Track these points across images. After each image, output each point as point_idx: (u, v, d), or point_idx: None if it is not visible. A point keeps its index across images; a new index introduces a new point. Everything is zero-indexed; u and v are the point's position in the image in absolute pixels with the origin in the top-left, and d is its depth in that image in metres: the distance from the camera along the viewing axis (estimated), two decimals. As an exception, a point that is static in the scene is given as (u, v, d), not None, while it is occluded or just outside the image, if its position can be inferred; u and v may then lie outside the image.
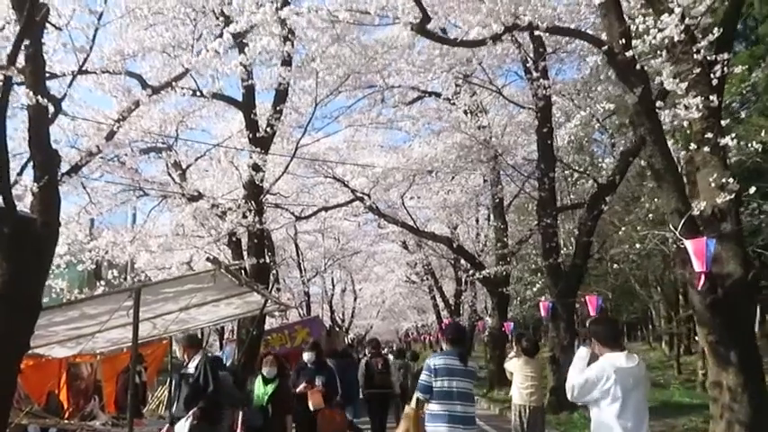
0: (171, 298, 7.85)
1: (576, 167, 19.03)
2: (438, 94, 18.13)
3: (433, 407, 5.44)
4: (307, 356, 8.83)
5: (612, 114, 17.53)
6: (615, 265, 19.68)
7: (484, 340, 37.77)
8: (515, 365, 8.65)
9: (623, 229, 19.04)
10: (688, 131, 7.92)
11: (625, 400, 4.39)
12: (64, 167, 7.94)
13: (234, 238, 13.29)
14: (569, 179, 17.63)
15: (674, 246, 21.41)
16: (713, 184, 7.26)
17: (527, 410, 8.35)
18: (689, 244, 6.61)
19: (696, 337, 20.26)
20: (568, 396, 4.69)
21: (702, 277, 6.50)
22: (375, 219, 27.51)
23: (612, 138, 17.99)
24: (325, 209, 22.08)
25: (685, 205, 7.07)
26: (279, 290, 23.43)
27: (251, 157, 13.01)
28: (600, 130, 19.44)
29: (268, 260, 23.56)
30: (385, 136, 25.36)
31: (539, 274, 26.65)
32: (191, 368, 7.16)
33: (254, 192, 13.02)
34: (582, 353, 4.80)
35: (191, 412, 6.67)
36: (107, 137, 8.48)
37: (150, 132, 14.36)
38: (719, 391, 7.07)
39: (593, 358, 4.68)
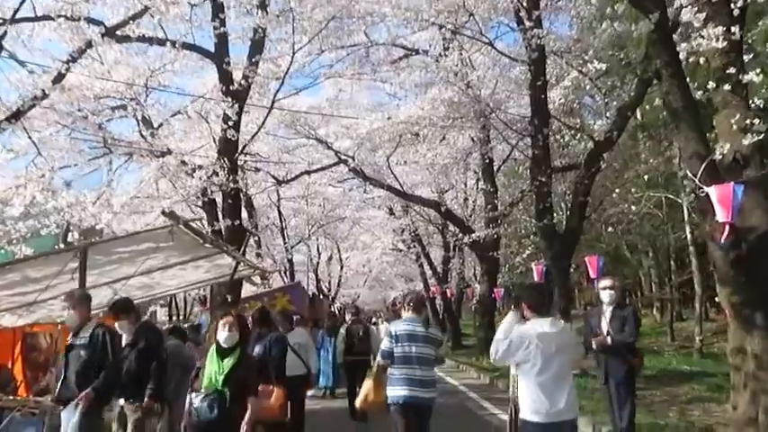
0: (127, 259, 7.00)
1: (568, 132, 18.31)
2: (425, 52, 17.20)
3: (393, 371, 5.64)
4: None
5: (605, 74, 16.77)
6: (610, 229, 19.08)
7: (472, 309, 37.41)
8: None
9: (617, 191, 18.48)
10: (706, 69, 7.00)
11: (546, 364, 4.43)
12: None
13: (207, 199, 12.37)
14: (561, 140, 16.88)
15: (668, 210, 20.75)
16: (735, 127, 6.43)
17: None
18: (712, 191, 5.81)
19: (695, 303, 19.78)
20: (491, 357, 4.71)
21: (727, 228, 5.72)
22: (361, 184, 26.64)
23: (606, 97, 17.17)
24: (308, 172, 21.22)
25: (706, 148, 6.26)
26: (260, 256, 22.62)
27: (225, 112, 12.11)
28: (591, 93, 18.71)
29: (249, 224, 23.19)
30: (370, 96, 24.53)
31: (530, 237, 26.10)
32: (81, 339, 5.63)
33: (228, 148, 12.10)
34: (510, 317, 4.90)
35: (81, 394, 5.39)
36: (54, 80, 7.51)
37: (119, 92, 13.48)
38: (742, 358, 6.35)
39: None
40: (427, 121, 17.48)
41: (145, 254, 7.04)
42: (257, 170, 20.59)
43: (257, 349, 6.53)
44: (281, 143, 20.77)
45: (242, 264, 9.24)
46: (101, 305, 9.26)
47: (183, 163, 11.14)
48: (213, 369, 4.94)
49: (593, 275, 10.70)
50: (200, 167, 10.81)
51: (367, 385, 5.95)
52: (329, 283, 39.21)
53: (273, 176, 21.29)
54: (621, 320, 6.83)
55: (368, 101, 23.08)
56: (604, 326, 6.90)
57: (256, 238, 23.89)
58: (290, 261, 28.18)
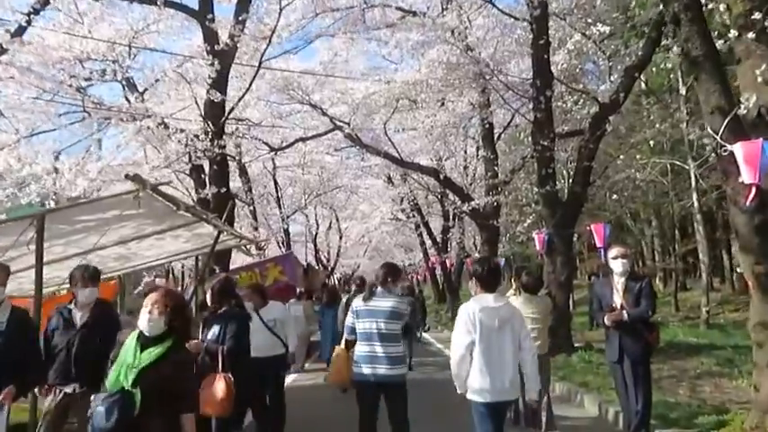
0: (93, 228, 6.41)
1: (572, 94, 17.63)
2: (423, 14, 16.43)
3: (357, 347, 5.44)
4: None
5: (609, 37, 16.08)
6: (614, 196, 18.46)
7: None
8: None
9: (621, 157, 17.84)
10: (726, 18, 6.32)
11: (488, 339, 4.45)
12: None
13: (192, 164, 11.77)
14: (564, 106, 16.22)
15: (673, 177, 20.10)
16: (760, 79, 5.77)
17: None
18: (737, 148, 5.19)
19: (699, 273, 19.27)
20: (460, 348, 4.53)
21: (753, 190, 5.11)
22: (358, 153, 26.06)
23: (610, 60, 16.46)
24: (303, 139, 20.66)
25: (729, 101, 5.64)
26: (256, 227, 22.08)
27: (209, 74, 11.46)
28: (593, 59, 17.97)
29: (244, 194, 22.61)
30: (366, 61, 23.73)
31: (531, 206, 25.50)
32: None
33: (214, 112, 11.48)
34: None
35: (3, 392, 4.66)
36: (13, 33, 6.84)
37: (101, 53, 12.79)
38: (767, 334, 5.76)
39: None
40: (425, 85, 16.84)
41: (113, 222, 6.45)
42: (247, 136, 19.97)
43: (214, 330, 5.61)
44: (274, 109, 20.10)
45: (225, 233, 8.64)
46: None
47: (165, 126, 10.48)
48: (126, 362, 3.55)
49: (599, 244, 10.11)
50: (182, 131, 10.16)
51: (335, 361, 5.70)
52: (328, 254, 38.69)
53: (267, 144, 20.69)
54: (636, 293, 6.17)
55: (363, 65, 22.29)
56: (617, 299, 6.26)
57: (251, 208, 23.37)
58: (287, 231, 27.65)
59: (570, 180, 19.07)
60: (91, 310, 5.31)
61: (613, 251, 6.40)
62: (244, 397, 5.48)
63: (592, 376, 9.65)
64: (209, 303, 6.46)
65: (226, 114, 11.96)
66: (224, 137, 11.40)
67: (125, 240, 7.75)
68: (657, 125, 18.42)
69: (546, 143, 12.22)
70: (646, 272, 36.69)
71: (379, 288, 5.51)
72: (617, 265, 6.30)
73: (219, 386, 5.17)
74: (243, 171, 22.18)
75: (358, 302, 5.55)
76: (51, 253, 7.01)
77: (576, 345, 12.75)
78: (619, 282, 6.27)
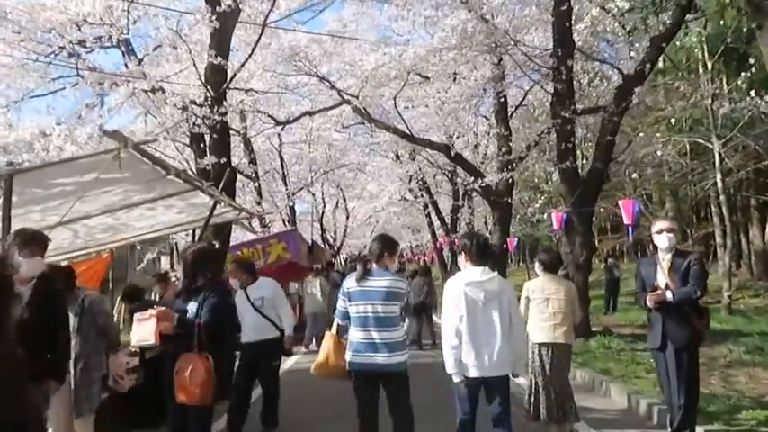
0: (72, 192, 5.76)
1: (587, 72, 16.92)
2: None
3: (350, 333, 4.83)
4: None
5: (630, 11, 15.35)
6: (634, 175, 17.73)
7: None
8: (532, 286, 6.23)
9: (641, 134, 17.08)
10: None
11: (473, 313, 4.41)
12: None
13: (191, 133, 11.09)
14: (580, 83, 15.50)
15: (692, 157, 19.34)
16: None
17: (550, 350, 6.00)
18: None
19: (716, 258, 18.55)
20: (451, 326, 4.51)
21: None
22: (366, 129, 25.38)
23: (630, 35, 15.73)
24: (310, 113, 19.91)
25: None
26: (260, 203, 21.42)
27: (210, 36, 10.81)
28: (608, 36, 17.19)
29: (250, 169, 21.96)
30: (377, 33, 22.95)
31: (543, 186, 24.80)
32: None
33: (215, 77, 10.81)
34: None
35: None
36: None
37: (95, 14, 12.08)
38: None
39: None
40: (437, 57, 16.13)
41: (94, 187, 5.80)
42: (256, 111, 19.35)
43: (191, 307, 4.66)
44: (281, 81, 19.33)
45: (223, 204, 8.00)
46: (60, 249, 8.13)
47: (162, 90, 9.79)
48: None
49: (627, 221, 9.42)
50: (175, 94, 9.48)
51: (325, 349, 4.99)
52: (335, 233, 38.14)
53: (273, 117, 19.99)
54: (683, 271, 5.43)
55: (374, 37, 21.50)
56: (661, 278, 5.54)
57: (256, 185, 22.75)
58: (292, 209, 26.97)
59: (585, 159, 18.49)
60: (35, 285, 4.28)
61: (658, 225, 5.69)
62: (224, 384, 4.72)
63: (613, 363, 9.04)
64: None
65: (228, 80, 11.28)
66: (226, 105, 10.70)
67: (112, 209, 7.13)
68: (679, 101, 17.69)
69: (567, 115, 11.48)
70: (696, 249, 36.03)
71: (374, 266, 4.84)
72: (662, 240, 5.59)
73: (198, 369, 4.41)
74: (248, 146, 21.55)
75: (350, 283, 4.85)
76: (29, 220, 6.38)
77: (593, 329, 12.11)
78: (664, 259, 5.57)
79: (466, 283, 4.48)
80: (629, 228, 9.52)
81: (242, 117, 19.97)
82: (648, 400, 6.47)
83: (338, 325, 5.00)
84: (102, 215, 7.23)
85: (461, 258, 4.74)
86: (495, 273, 4.70)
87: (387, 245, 4.93)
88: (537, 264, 6.42)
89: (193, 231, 9.72)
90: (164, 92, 9.88)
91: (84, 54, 11.91)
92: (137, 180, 5.96)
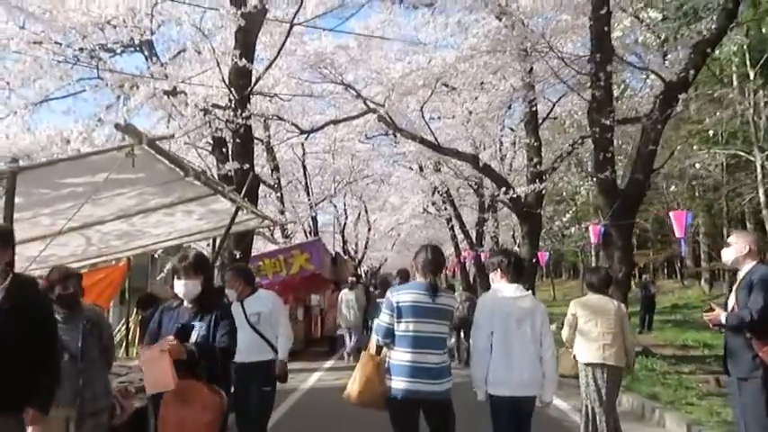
0: (82, 194, 5.30)
1: (617, 88, 16.41)
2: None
3: (395, 355, 4.22)
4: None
5: (664, 20, 14.85)
6: (672, 187, 17.07)
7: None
8: (579, 306, 5.90)
9: (678, 147, 16.46)
10: None
11: (506, 330, 4.29)
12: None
13: (214, 137, 10.69)
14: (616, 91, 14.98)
15: (729, 170, 18.67)
16: None
17: (604, 373, 5.63)
18: None
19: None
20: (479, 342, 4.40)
21: None
22: (390, 141, 24.98)
23: (663, 45, 15.21)
24: (334, 122, 19.47)
25: None
26: (283, 213, 20.99)
27: (236, 36, 10.41)
28: (635, 50, 16.66)
29: (272, 179, 21.59)
30: (403, 41, 22.56)
31: (575, 197, 24.13)
32: None
33: (239, 80, 10.41)
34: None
35: None
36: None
37: (118, 16, 11.75)
38: None
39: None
40: (467, 65, 15.71)
41: (107, 188, 5.35)
42: (279, 119, 18.96)
43: (199, 327, 3.79)
44: (306, 88, 18.95)
45: (245, 211, 7.52)
46: (74, 256, 7.73)
47: (182, 93, 9.38)
48: None
49: (679, 234, 8.82)
50: (197, 95, 9.06)
51: (362, 374, 4.29)
52: (356, 245, 37.68)
53: (297, 125, 19.61)
54: (748, 288, 4.79)
55: (399, 46, 21.09)
56: (731, 298, 4.98)
57: (279, 194, 22.39)
58: (314, 219, 26.58)
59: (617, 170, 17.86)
60: (6, 289, 3.47)
61: (731, 238, 5.09)
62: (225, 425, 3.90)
63: (660, 387, 8.40)
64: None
65: (252, 83, 10.89)
66: (250, 109, 10.28)
67: (127, 214, 6.67)
68: (717, 113, 17.05)
69: (608, 122, 10.91)
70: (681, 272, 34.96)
71: (420, 276, 4.38)
72: (724, 255, 5.02)
73: (209, 406, 3.54)
74: (271, 155, 21.20)
75: (401, 295, 4.26)
76: (39, 225, 5.97)
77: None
78: (738, 276, 4.96)
79: (498, 299, 4.38)
80: (682, 241, 8.93)
81: (265, 125, 19.66)
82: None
83: (378, 345, 4.37)
84: (116, 220, 6.79)
85: (495, 275, 4.57)
86: (529, 292, 4.63)
87: (441, 258, 4.53)
88: (586, 285, 6.18)
89: (213, 240, 9.24)
90: (185, 94, 9.46)
91: (107, 58, 11.63)
92: (153, 181, 5.50)
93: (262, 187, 22.55)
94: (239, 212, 7.56)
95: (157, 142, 4.63)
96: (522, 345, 4.27)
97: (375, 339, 4.39)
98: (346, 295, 14.23)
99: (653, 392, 8.03)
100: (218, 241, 9.25)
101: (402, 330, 4.20)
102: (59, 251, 7.35)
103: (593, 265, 21.23)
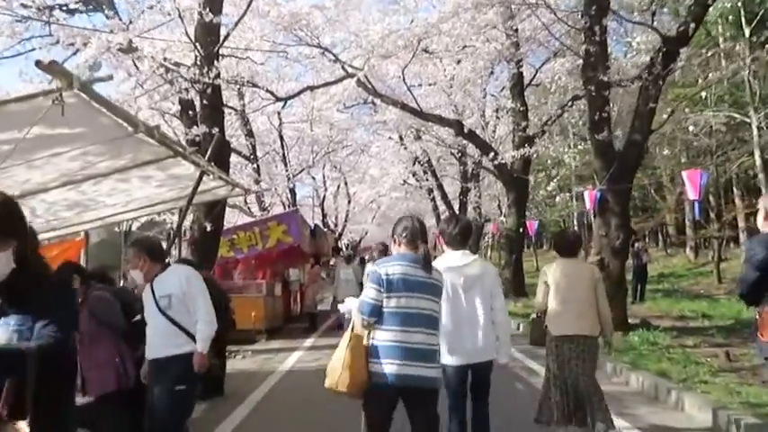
0: (7, 153, 4.46)
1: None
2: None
3: (381, 335, 3.61)
4: None
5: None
6: (666, 151, 16.45)
7: (489, 243, 35.14)
8: (551, 273, 5.32)
9: (668, 110, 15.81)
10: None
11: (456, 299, 4.22)
12: None
13: (181, 98, 9.80)
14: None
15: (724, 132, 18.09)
16: None
17: (574, 344, 5.06)
18: None
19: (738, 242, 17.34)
20: None
21: None
22: (370, 109, 24.19)
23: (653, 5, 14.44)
24: (311, 88, 18.57)
25: None
26: (258, 182, 20.11)
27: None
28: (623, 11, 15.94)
29: (248, 149, 20.67)
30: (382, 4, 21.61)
31: (558, 165, 23.48)
32: None
33: (206, 36, 9.52)
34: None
35: None
36: None
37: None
38: None
39: None
40: (449, 25, 14.93)
41: (40, 146, 4.52)
42: (254, 86, 17.99)
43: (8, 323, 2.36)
44: (280, 52, 17.97)
45: (211, 176, 6.68)
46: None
47: (131, 50, 8.44)
48: None
49: (693, 196, 8.10)
50: (164, 56, 8.16)
51: (341, 357, 3.63)
52: (336, 218, 36.94)
53: (272, 93, 18.66)
54: None
55: (379, 5, 20.16)
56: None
57: (255, 166, 21.51)
58: (293, 191, 25.70)
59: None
60: None
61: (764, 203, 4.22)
62: None
63: (667, 363, 7.75)
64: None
65: (221, 41, 9.99)
66: (218, 66, 9.40)
67: (74, 180, 5.82)
68: (711, 75, 16.38)
69: (604, 77, 10.19)
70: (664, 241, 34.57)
71: (406, 249, 3.81)
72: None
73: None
74: (246, 124, 20.29)
75: (390, 267, 3.66)
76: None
77: (629, 321, 10.87)
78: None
79: (445, 268, 4.07)
80: (697, 204, 8.24)
81: (240, 94, 18.73)
82: (745, 418, 5.11)
83: (362, 324, 3.67)
84: (62, 188, 5.93)
85: (441, 242, 4.51)
86: (476, 256, 4.51)
87: (424, 230, 3.93)
88: (555, 249, 5.68)
89: (180, 210, 8.41)
90: (134, 49, 8.52)
91: (62, 17, 10.63)
92: (95, 138, 4.66)
93: (237, 159, 21.73)
94: (204, 178, 6.74)
95: (94, 86, 3.79)
96: (472, 312, 4.21)
97: (360, 318, 3.68)
98: (344, 270, 13.47)
99: (661, 369, 7.38)
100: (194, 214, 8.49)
101: (393, 306, 3.59)
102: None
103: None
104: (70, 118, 4.03)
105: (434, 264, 4.04)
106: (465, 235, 4.49)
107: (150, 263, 4.36)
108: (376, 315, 3.60)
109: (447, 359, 4.19)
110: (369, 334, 3.65)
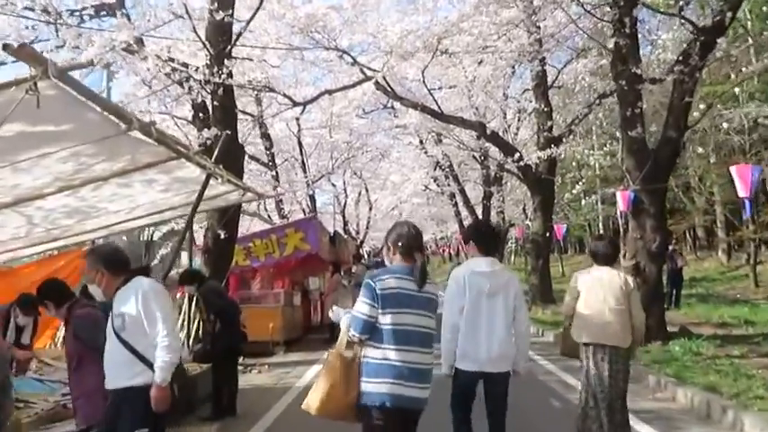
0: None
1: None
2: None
3: (374, 353, 3.32)
4: None
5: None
6: (700, 149, 15.77)
7: (512, 249, 34.56)
8: (581, 279, 5.04)
9: (701, 106, 15.15)
10: None
11: (476, 305, 4.15)
12: None
13: (192, 105, 9.41)
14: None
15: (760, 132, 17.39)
16: None
17: (606, 353, 4.79)
18: None
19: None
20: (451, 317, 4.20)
21: None
22: (389, 115, 23.81)
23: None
24: (329, 92, 18.13)
25: None
26: (275, 188, 19.70)
27: None
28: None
29: (266, 156, 20.30)
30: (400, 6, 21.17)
31: (589, 164, 22.83)
32: None
33: (217, 36, 9.12)
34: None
35: None
36: None
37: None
38: None
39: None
40: (470, 24, 14.46)
41: (23, 146, 4.10)
42: (271, 90, 17.61)
43: None
44: (297, 55, 17.59)
45: (219, 179, 6.23)
46: (17, 238, 6.47)
47: (140, 44, 8.04)
48: None
49: (743, 194, 7.48)
50: (170, 57, 7.75)
51: (328, 377, 3.34)
52: (357, 225, 36.59)
53: (290, 97, 18.29)
54: None
55: (397, 5, 19.70)
56: None
57: (274, 173, 21.15)
58: (312, 197, 25.28)
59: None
60: None
61: None
62: None
63: (715, 376, 7.13)
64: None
65: (233, 40, 9.59)
66: (229, 65, 8.98)
67: (71, 185, 5.40)
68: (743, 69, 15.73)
69: (636, 70, 9.62)
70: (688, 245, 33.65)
71: (401, 261, 3.48)
72: None
73: None
74: (264, 131, 19.95)
75: (384, 281, 3.35)
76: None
77: (668, 329, 10.24)
78: None
79: (470, 273, 4.19)
80: (747, 202, 7.62)
81: (257, 100, 18.39)
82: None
83: (352, 339, 3.36)
84: (58, 194, 5.52)
85: (468, 248, 4.46)
86: (503, 264, 4.54)
87: (420, 237, 3.62)
88: (590, 255, 5.48)
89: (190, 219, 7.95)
90: (144, 45, 8.11)
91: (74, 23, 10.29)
92: (84, 136, 4.22)
93: (257, 166, 21.37)
94: (213, 182, 6.30)
95: (71, 73, 3.35)
96: (491, 320, 4.13)
97: (349, 334, 3.37)
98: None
99: (709, 383, 6.78)
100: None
101: (388, 323, 3.31)
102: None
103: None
104: (52, 112, 3.63)
105: (459, 269, 4.29)
106: (494, 241, 4.50)
107: (108, 275, 3.65)
108: (368, 332, 3.32)
109: (459, 363, 4.15)
110: (360, 351, 3.36)
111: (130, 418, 3.47)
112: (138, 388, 3.45)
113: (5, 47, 3.09)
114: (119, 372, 3.52)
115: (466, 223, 29.16)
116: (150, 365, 3.47)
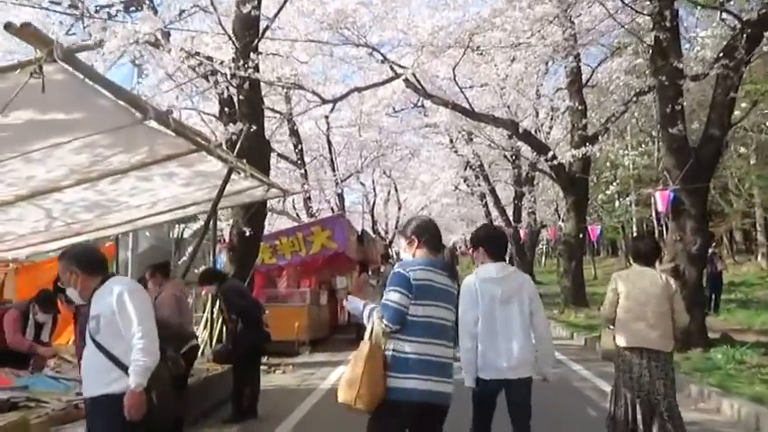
0: (2, 143, 3.86)
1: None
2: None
3: (403, 346, 3.20)
4: None
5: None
6: (742, 149, 15.24)
7: (543, 250, 34.02)
8: (621, 280, 4.79)
9: (743, 105, 14.63)
10: None
11: (491, 312, 4.02)
12: None
13: (220, 96, 9.24)
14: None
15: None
16: None
17: (644, 358, 4.56)
18: None
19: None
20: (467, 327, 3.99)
21: None
22: (419, 114, 23.57)
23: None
24: (359, 89, 17.90)
25: None
26: (303, 185, 19.55)
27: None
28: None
29: (296, 154, 20.18)
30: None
31: (623, 165, 22.30)
32: None
33: (244, 30, 8.94)
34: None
35: None
36: None
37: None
38: None
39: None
40: (502, 19, 14.12)
41: (33, 135, 3.91)
42: (300, 87, 17.46)
43: None
44: (327, 51, 17.41)
45: (242, 174, 6.02)
46: (37, 232, 6.34)
47: (166, 35, 7.88)
48: None
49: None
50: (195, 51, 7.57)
51: (369, 372, 3.15)
52: (386, 225, 36.37)
53: (318, 95, 18.14)
54: None
55: (428, 1, 19.43)
56: None
57: (303, 171, 21.03)
58: (341, 196, 25.12)
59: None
60: None
61: None
62: None
63: (762, 387, 6.74)
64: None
65: (260, 34, 9.40)
66: (255, 58, 8.78)
67: (88, 178, 5.23)
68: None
69: (677, 64, 9.22)
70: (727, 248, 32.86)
71: (425, 253, 3.45)
72: None
73: None
74: (294, 128, 19.83)
75: (417, 272, 3.27)
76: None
77: (709, 336, 9.82)
78: None
79: (481, 280, 4.07)
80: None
81: (287, 98, 18.25)
82: None
83: (384, 330, 3.20)
84: (76, 186, 5.35)
85: (477, 254, 4.25)
86: (514, 268, 4.37)
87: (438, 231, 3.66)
88: (631, 255, 5.21)
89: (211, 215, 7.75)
90: (166, 36, 7.94)
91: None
92: (97, 125, 4.03)
93: (285, 164, 21.26)
94: (236, 177, 6.11)
95: (79, 55, 3.14)
96: (508, 325, 4.00)
97: (381, 326, 3.21)
98: None
99: (756, 394, 6.40)
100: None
101: (420, 315, 3.24)
102: (14, 227, 5.98)
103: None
104: (62, 99, 3.43)
105: (470, 277, 4.14)
106: (502, 246, 4.40)
107: (83, 276, 3.38)
108: (400, 322, 3.20)
109: (481, 373, 4.00)
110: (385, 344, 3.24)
111: (106, 428, 3.23)
112: (115, 396, 3.17)
113: (7, 26, 2.89)
114: (95, 378, 3.27)
115: (497, 223, 28.87)
116: (122, 371, 3.20)
